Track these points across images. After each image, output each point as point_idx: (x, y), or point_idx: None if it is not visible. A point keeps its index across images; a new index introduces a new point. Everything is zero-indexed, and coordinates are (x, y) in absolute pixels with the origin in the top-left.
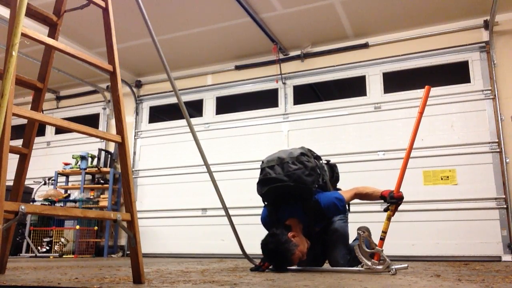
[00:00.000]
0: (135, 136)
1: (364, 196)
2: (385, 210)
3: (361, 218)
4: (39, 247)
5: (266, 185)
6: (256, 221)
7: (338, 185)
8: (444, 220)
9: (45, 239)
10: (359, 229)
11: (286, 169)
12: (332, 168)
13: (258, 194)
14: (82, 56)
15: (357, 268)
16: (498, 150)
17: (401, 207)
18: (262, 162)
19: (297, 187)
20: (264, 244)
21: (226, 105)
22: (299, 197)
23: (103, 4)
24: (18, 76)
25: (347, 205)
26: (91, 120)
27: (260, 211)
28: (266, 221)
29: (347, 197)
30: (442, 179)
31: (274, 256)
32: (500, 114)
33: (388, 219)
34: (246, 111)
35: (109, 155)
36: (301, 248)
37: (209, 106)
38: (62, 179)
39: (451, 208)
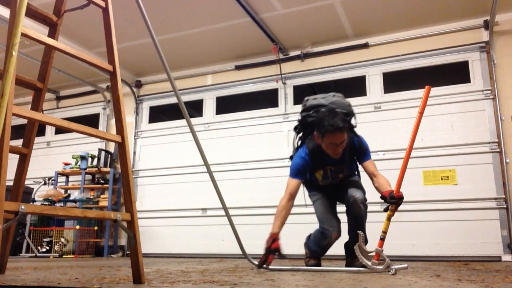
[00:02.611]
0: (135, 136)
1: (378, 184)
2: (385, 210)
3: None
4: (39, 247)
5: (310, 110)
6: (256, 221)
7: None
8: (444, 220)
9: (45, 239)
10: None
11: (329, 100)
12: None
13: (295, 130)
14: (82, 56)
15: (357, 268)
16: (498, 150)
17: (401, 207)
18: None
19: (339, 112)
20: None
21: (226, 105)
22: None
23: (103, 4)
24: (18, 76)
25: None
26: (91, 120)
27: (260, 211)
28: (304, 161)
29: (372, 162)
30: (442, 179)
31: (336, 110)
32: (500, 114)
33: (388, 219)
34: (246, 111)
35: (109, 155)
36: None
37: (209, 106)
38: (62, 179)
39: (451, 208)
